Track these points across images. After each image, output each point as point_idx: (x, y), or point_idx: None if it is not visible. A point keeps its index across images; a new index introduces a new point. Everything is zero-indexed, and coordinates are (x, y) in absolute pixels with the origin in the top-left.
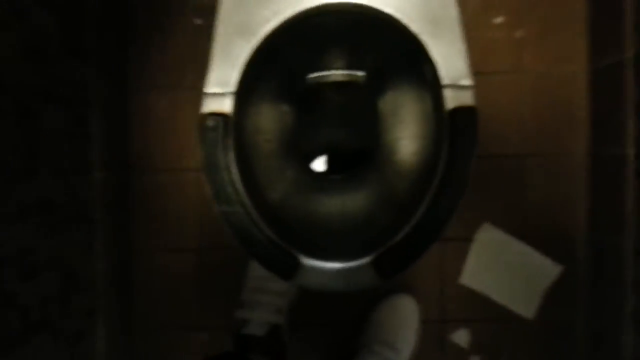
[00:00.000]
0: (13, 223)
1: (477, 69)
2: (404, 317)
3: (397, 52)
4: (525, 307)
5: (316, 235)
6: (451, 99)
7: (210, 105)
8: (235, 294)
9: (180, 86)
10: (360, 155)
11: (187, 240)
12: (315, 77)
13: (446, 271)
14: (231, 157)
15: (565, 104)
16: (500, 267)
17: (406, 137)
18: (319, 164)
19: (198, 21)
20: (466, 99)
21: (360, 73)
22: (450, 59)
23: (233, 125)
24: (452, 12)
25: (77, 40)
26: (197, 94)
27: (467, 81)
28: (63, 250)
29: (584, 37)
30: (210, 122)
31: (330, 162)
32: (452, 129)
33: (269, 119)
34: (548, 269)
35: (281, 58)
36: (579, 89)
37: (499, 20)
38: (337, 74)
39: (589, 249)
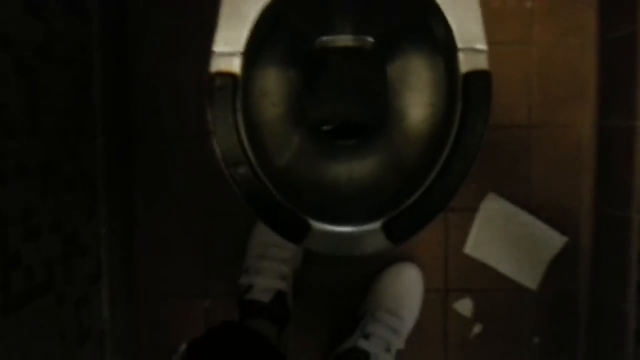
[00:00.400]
0: (14, 180)
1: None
2: (408, 286)
3: (409, 15)
4: (530, 277)
5: (324, 200)
6: (465, 63)
7: (218, 65)
8: (238, 261)
9: (184, 49)
10: (369, 122)
11: (189, 207)
12: (323, 42)
13: (450, 241)
14: (240, 118)
15: (573, 75)
16: (504, 238)
17: (416, 104)
18: (326, 130)
19: None
20: (481, 63)
21: (369, 39)
22: (465, 22)
23: (241, 86)
24: None
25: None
26: (201, 57)
27: (482, 45)
28: (65, 213)
29: (594, 8)
30: (219, 82)
31: (337, 129)
32: (465, 92)
33: (276, 82)
34: (553, 240)
35: (289, 19)
36: (587, 61)
37: None
38: (345, 38)
39: (594, 220)
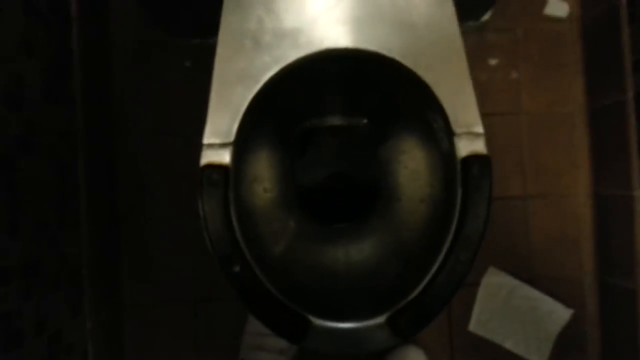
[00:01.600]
0: None
1: None
2: None
3: (402, 99)
4: (538, 354)
5: (324, 292)
6: (463, 147)
7: (209, 157)
8: (233, 349)
9: (169, 130)
10: (364, 202)
11: (181, 293)
12: (315, 123)
13: (454, 318)
14: (232, 210)
15: (565, 144)
16: (508, 313)
17: (412, 184)
18: (322, 213)
19: (187, 63)
20: (479, 146)
21: (362, 120)
22: (460, 106)
23: (232, 176)
24: (460, 57)
25: (61, 86)
26: (186, 139)
27: (479, 128)
28: (49, 312)
29: (581, 77)
30: (210, 176)
31: (333, 211)
32: (465, 177)
33: (267, 167)
34: (558, 313)
35: (281, 105)
36: (578, 129)
37: (494, 62)
38: (336, 118)
39: (598, 291)
